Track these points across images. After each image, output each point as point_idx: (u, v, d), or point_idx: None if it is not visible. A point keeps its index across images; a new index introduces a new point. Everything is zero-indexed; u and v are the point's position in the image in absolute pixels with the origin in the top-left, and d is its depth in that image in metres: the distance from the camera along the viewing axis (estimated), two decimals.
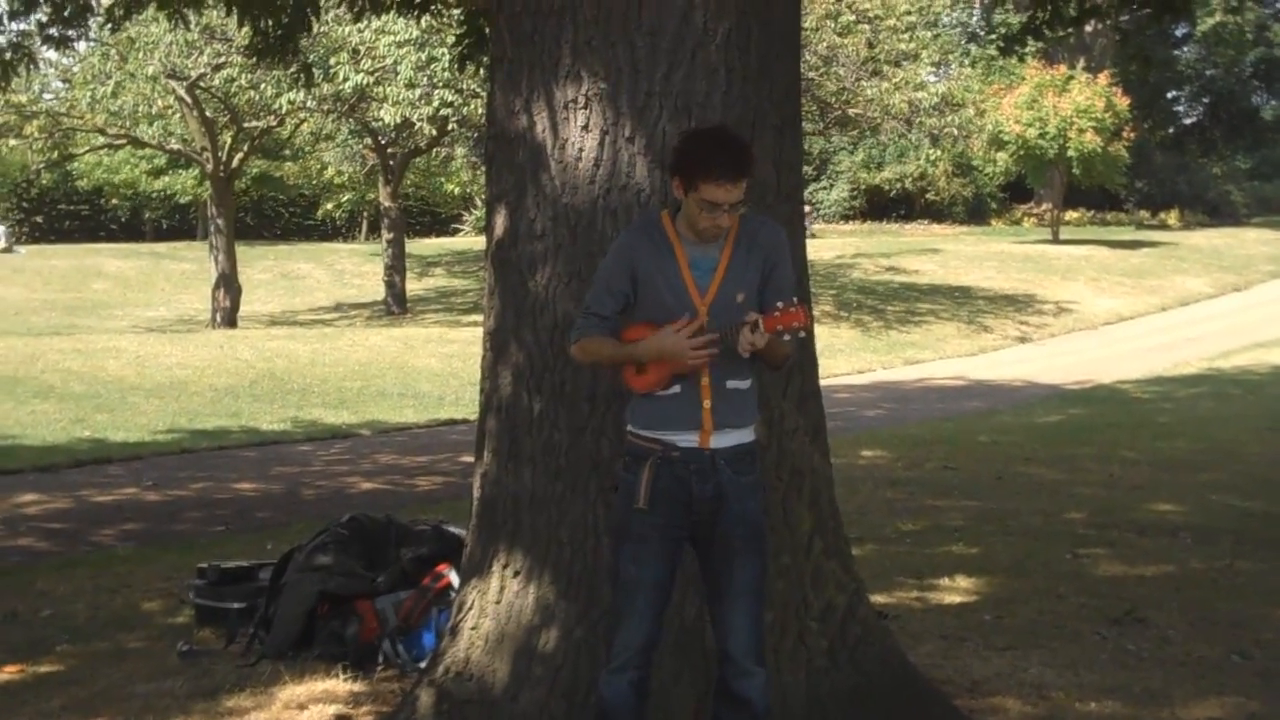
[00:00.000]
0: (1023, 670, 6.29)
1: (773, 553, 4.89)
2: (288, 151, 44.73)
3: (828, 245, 37.72)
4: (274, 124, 31.00)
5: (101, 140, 32.69)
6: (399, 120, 27.11)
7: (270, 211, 51.95)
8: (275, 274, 37.42)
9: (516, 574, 5.24)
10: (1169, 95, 54.65)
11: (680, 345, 4.38)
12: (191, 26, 25.22)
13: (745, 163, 4.43)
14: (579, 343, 4.60)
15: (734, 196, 4.38)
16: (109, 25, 11.73)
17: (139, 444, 15.21)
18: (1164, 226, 46.12)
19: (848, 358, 24.63)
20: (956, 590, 8.00)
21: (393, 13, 10.38)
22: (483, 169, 6.27)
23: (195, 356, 21.72)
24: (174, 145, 31.94)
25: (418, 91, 26.45)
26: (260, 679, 6.32)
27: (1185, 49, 53.82)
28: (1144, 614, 7.31)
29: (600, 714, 4.57)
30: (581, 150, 5.12)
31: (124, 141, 32.61)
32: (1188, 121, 56.14)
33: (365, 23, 25.58)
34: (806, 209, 44.17)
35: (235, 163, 30.82)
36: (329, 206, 46.85)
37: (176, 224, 50.94)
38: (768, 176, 5.21)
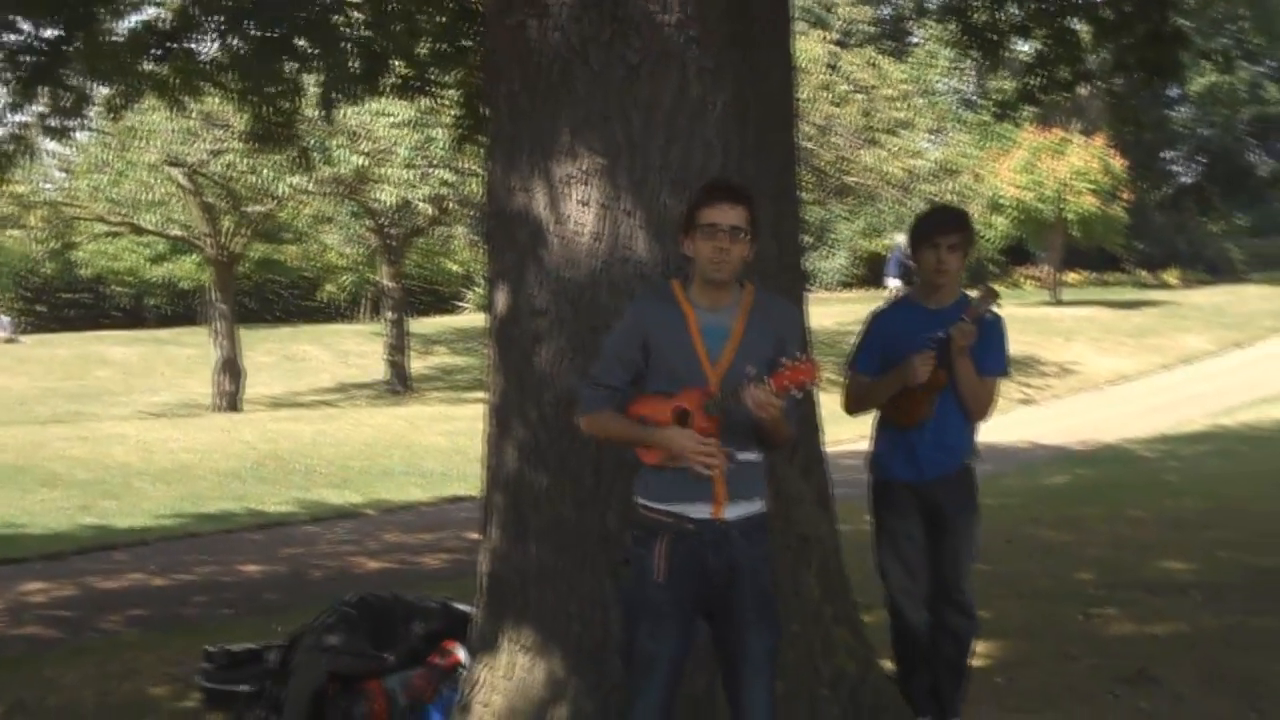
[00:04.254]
0: None
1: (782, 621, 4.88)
2: (288, 234, 44.85)
3: (828, 313, 37.58)
4: (274, 208, 31.08)
5: (102, 228, 32.76)
6: (398, 201, 27.22)
7: (271, 294, 51.97)
8: (278, 356, 37.40)
9: (526, 649, 5.24)
10: (1164, 155, 54.83)
11: (687, 445, 4.38)
12: (190, 114, 25.50)
13: (740, 188, 4.54)
14: (588, 415, 4.61)
15: (732, 218, 4.42)
16: (108, 114, 11.79)
17: (144, 529, 15.15)
18: (1164, 285, 46.19)
19: (852, 424, 24.37)
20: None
21: (389, 95, 10.44)
22: (483, 247, 6.30)
23: (199, 440, 21.69)
24: (175, 231, 31.97)
25: (416, 172, 26.58)
26: None
27: (1179, 109, 54.05)
28: (1156, 672, 7.28)
29: None
30: (581, 225, 5.15)
31: (125, 229, 32.67)
32: (1185, 181, 56.28)
33: (362, 105, 25.75)
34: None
35: (237, 247, 30.88)
36: (330, 288, 46.91)
37: (179, 309, 50.98)
38: (768, 248, 5.24)
